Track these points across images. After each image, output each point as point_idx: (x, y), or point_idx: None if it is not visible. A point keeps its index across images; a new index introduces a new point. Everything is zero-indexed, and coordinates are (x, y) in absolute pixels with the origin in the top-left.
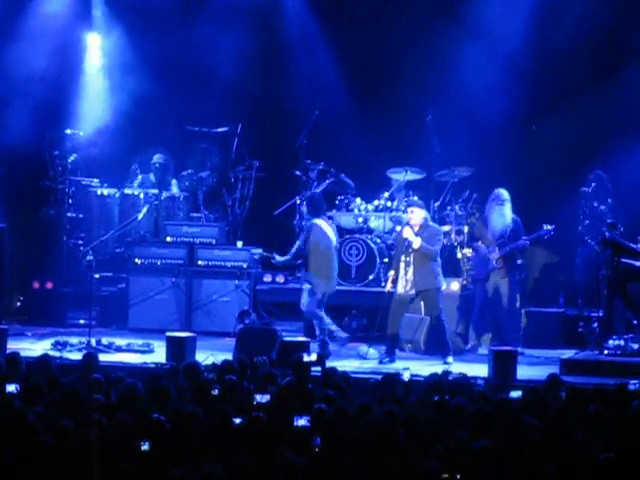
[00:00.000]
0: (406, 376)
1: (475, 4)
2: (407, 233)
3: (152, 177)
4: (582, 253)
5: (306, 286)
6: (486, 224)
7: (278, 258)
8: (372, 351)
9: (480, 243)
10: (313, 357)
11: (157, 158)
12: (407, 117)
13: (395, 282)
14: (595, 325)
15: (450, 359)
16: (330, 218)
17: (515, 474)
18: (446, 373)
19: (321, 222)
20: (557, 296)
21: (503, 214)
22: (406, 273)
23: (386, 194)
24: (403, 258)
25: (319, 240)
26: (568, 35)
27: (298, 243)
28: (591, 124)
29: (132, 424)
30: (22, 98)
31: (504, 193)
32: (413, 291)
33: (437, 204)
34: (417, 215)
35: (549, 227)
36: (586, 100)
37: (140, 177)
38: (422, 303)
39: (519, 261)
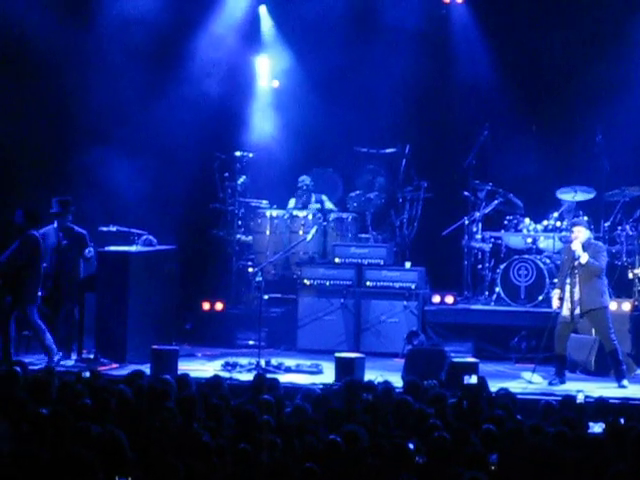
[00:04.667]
0: (580, 398)
1: None
2: (576, 246)
3: (303, 198)
4: None
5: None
6: None
7: None
8: (536, 376)
9: None
10: (474, 379)
11: (303, 180)
12: (576, 136)
13: (561, 301)
14: None
15: (626, 382)
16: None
17: None
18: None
19: (37, 234)
20: None
21: None
22: (572, 294)
23: (555, 214)
24: (569, 279)
25: (32, 251)
26: None
27: (10, 252)
28: None
29: (306, 445)
30: (192, 120)
31: None
32: (578, 310)
33: (607, 224)
34: (582, 234)
35: None
36: None
37: (293, 200)
38: (591, 323)
39: None
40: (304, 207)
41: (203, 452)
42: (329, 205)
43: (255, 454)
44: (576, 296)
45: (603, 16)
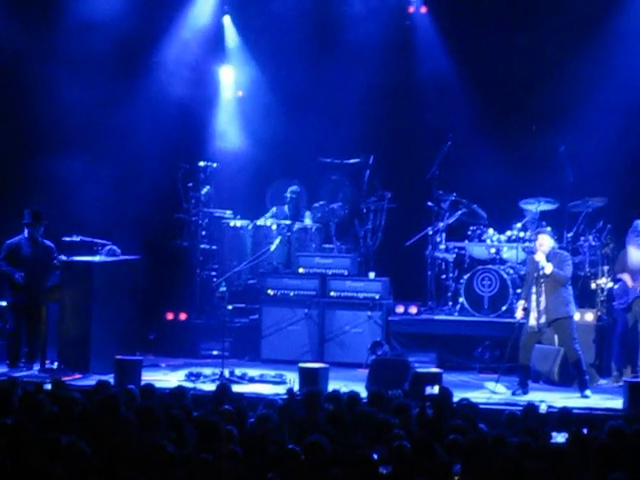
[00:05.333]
0: (542, 408)
1: (611, 36)
2: (539, 257)
3: (286, 209)
4: None
5: None
6: (627, 255)
7: None
8: (500, 387)
9: (624, 274)
10: (436, 389)
11: (291, 190)
12: (540, 147)
13: (526, 311)
14: None
15: (589, 392)
16: None
17: None
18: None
19: None
20: None
21: None
22: (538, 304)
23: (519, 225)
24: (534, 289)
25: None
26: None
27: None
28: None
29: (267, 455)
30: (156, 129)
31: None
32: (544, 319)
33: (570, 235)
34: (546, 243)
35: None
36: None
37: (274, 209)
38: (555, 333)
39: None
40: (287, 217)
41: (166, 463)
42: (308, 222)
43: (217, 464)
44: (542, 305)
45: (566, 25)
